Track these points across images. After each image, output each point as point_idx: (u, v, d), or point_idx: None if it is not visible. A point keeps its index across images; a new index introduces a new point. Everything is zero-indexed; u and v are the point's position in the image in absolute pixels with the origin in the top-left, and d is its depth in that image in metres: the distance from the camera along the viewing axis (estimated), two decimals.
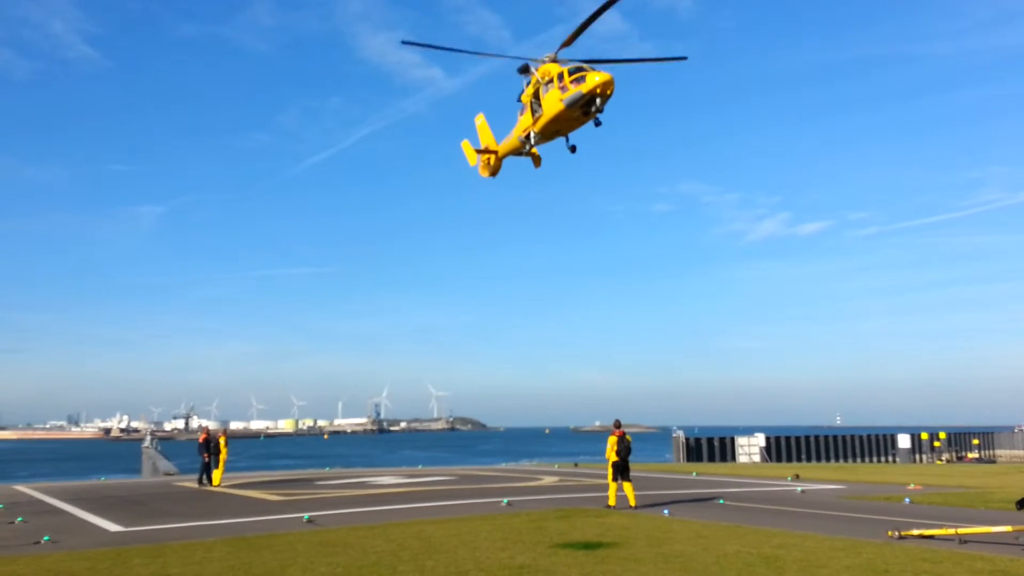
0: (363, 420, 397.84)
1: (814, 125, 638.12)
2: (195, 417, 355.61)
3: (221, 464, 32.63)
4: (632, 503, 23.09)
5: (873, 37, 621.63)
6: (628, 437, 23.71)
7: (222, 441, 32.93)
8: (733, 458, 75.97)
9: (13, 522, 20.91)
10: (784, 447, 79.53)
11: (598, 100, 25.51)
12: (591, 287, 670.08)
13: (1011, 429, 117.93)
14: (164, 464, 61.29)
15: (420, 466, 54.11)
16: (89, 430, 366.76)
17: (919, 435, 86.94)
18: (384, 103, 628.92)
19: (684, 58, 29.82)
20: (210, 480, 32.37)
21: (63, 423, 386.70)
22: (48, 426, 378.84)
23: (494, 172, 32.76)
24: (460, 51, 28.88)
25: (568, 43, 26.37)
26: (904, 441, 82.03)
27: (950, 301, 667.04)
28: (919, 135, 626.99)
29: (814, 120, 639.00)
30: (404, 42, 31.92)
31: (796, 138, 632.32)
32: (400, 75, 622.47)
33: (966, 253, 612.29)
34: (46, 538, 17.46)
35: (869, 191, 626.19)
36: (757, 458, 75.50)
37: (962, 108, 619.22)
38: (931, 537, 16.62)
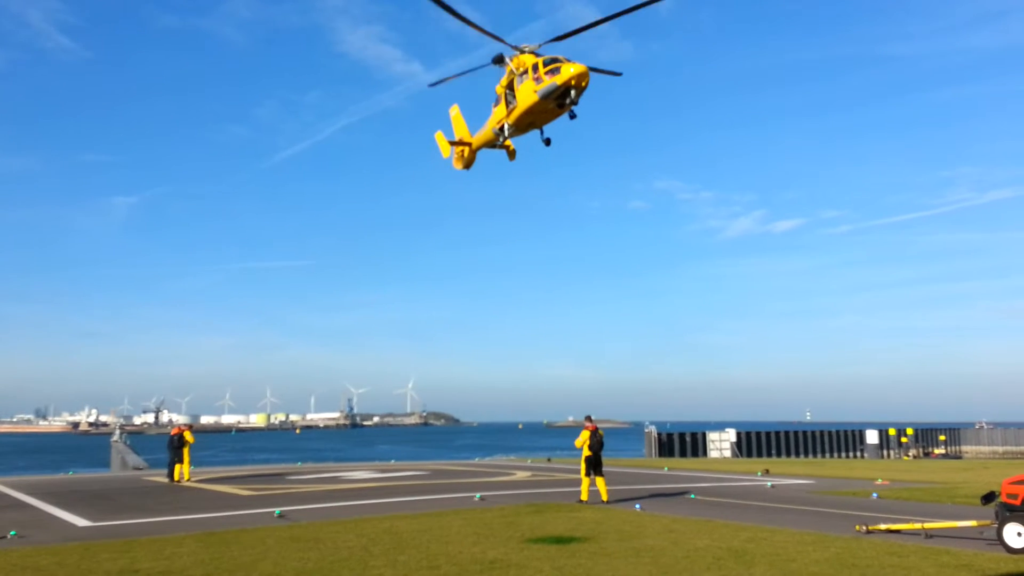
0: (336, 414, 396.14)
1: (789, 124, 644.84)
2: (165, 411, 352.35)
3: (186, 458, 32.32)
4: (604, 498, 23.17)
5: (848, 37, 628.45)
6: (600, 432, 23.81)
7: (187, 435, 32.57)
8: (704, 453, 76.54)
9: None
10: (755, 442, 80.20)
11: (573, 92, 25.32)
12: (567, 283, 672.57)
13: (972, 425, 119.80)
14: (133, 458, 60.73)
15: (393, 461, 53.99)
16: (57, 424, 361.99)
17: (887, 431, 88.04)
18: (363, 96, 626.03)
19: (619, 74, 28.38)
20: (172, 476, 32.06)
21: (30, 416, 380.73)
22: (15, 419, 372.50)
23: (468, 164, 32.54)
24: (475, 69, 28.34)
25: (559, 39, 26.21)
26: (872, 437, 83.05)
27: (920, 299, 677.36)
28: (892, 135, 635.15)
29: (789, 119, 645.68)
30: (431, 85, 30.93)
31: (771, 137, 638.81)
32: (380, 69, 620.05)
33: (936, 251, 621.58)
34: (12, 533, 17.19)
35: (843, 190, 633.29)
36: (728, 453, 76.11)
37: (934, 108, 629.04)
38: (898, 531, 16.83)
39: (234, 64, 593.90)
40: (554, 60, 25.76)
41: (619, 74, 28.61)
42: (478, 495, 24.62)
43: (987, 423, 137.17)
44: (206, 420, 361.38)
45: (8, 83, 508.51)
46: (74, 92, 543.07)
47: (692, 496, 25.50)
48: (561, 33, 25.96)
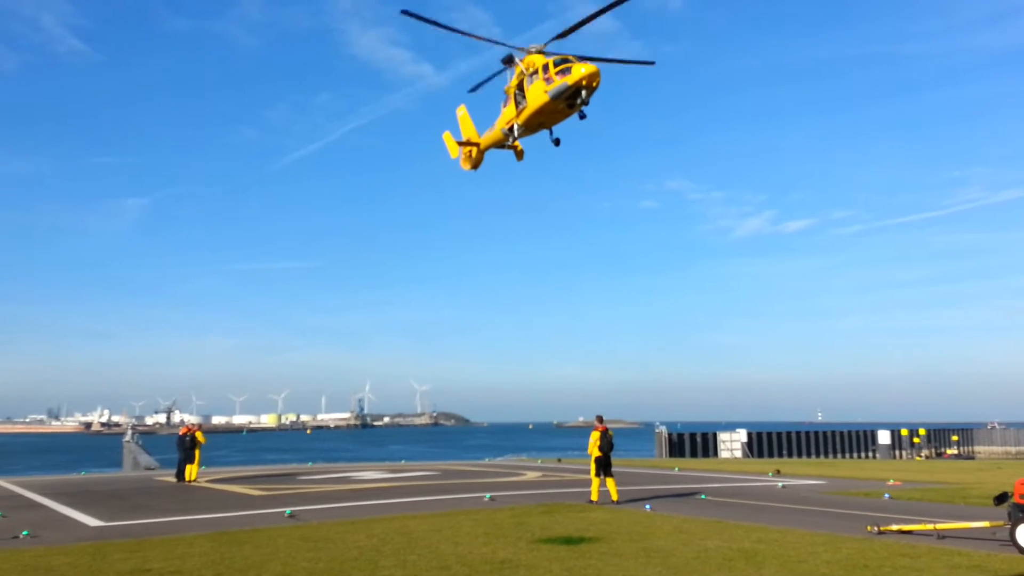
0: (346, 415, 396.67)
1: (800, 123, 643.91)
2: (177, 411, 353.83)
3: (196, 458, 32.47)
4: (614, 498, 23.14)
5: (860, 36, 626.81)
6: (610, 432, 23.77)
7: (199, 436, 32.75)
8: (715, 454, 76.31)
9: None
10: (765, 443, 79.89)
11: (584, 92, 25.24)
12: (576, 283, 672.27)
13: (984, 425, 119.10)
14: (145, 458, 60.94)
15: (403, 461, 54.05)
16: (70, 424, 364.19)
17: (899, 431, 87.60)
18: (373, 98, 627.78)
19: (651, 63, 28.48)
20: (182, 476, 32.15)
21: (43, 417, 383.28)
22: (28, 420, 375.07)
23: (476, 165, 32.48)
24: (459, 32, 28.20)
25: (562, 36, 26.12)
26: (884, 437, 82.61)
27: (932, 298, 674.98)
28: (903, 134, 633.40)
29: (800, 118, 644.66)
30: (403, 11, 29.91)
31: (782, 136, 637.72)
32: (390, 71, 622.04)
33: (948, 251, 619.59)
34: (25, 533, 17.29)
35: (853, 189, 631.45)
36: (739, 454, 75.85)
37: (946, 107, 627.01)
38: (910, 532, 16.76)
39: (245, 66, 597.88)
40: (565, 60, 25.67)
41: (652, 63, 28.44)
42: (488, 495, 24.62)
43: (999, 423, 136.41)
44: (217, 420, 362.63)
45: (21, 86, 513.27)
46: (85, 94, 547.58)
47: (703, 496, 25.43)
48: (564, 29, 25.87)
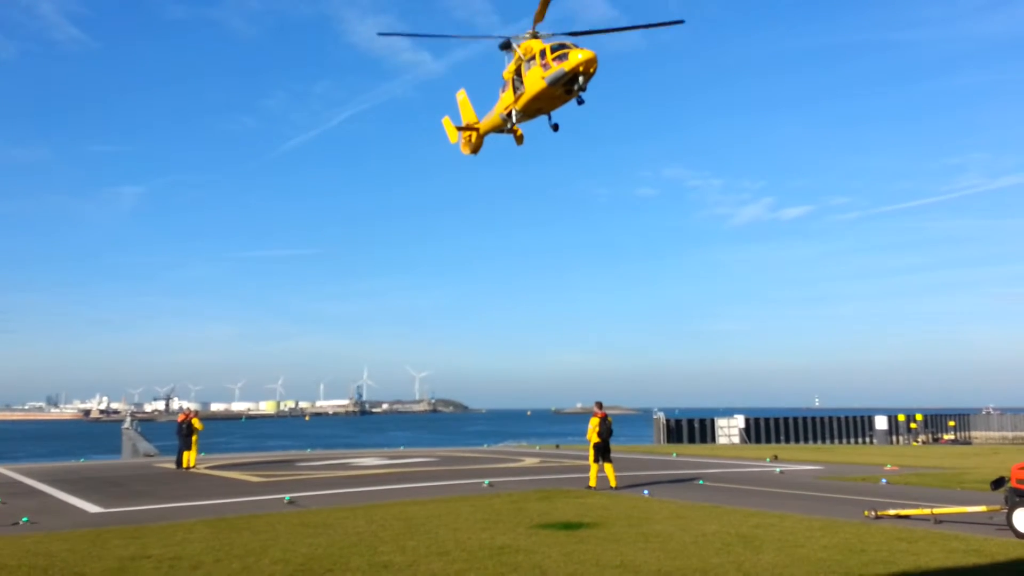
0: (345, 402, 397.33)
1: (798, 111, 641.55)
2: (175, 399, 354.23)
3: (194, 445, 32.54)
4: (612, 484, 23.21)
5: (858, 23, 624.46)
6: (609, 419, 23.82)
7: (196, 423, 32.81)
8: (713, 439, 76.47)
9: None
10: (763, 428, 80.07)
11: (581, 78, 25.20)
12: (574, 270, 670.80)
13: (980, 411, 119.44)
14: (144, 445, 60.93)
15: (402, 447, 54.16)
16: (68, 411, 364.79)
17: (896, 417, 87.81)
18: (371, 86, 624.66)
19: (680, 22, 27.68)
20: (181, 463, 32.23)
21: (42, 404, 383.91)
22: (27, 407, 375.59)
23: (475, 149, 32.46)
24: (437, 36, 28.31)
25: (574, 35, 26.16)
26: (881, 423, 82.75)
27: (929, 285, 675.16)
28: (901, 121, 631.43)
29: (798, 106, 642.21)
30: (380, 34, 29.86)
31: (780, 123, 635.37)
32: (388, 59, 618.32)
33: (945, 238, 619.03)
34: (24, 519, 17.34)
35: (851, 176, 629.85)
36: (736, 439, 76.06)
37: (944, 95, 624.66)
38: (907, 517, 16.83)
39: (243, 54, 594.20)
40: (562, 46, 25.61)
41: (681, 22, 27.90)
42: (487, 481, 24.69)
43: (995, 409, 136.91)
44: (216, 407, 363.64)
45: (19, 74, 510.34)
46: (83, 83, 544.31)
47: (701, 482, 25.53)
48: (577, 30, 25.97)
